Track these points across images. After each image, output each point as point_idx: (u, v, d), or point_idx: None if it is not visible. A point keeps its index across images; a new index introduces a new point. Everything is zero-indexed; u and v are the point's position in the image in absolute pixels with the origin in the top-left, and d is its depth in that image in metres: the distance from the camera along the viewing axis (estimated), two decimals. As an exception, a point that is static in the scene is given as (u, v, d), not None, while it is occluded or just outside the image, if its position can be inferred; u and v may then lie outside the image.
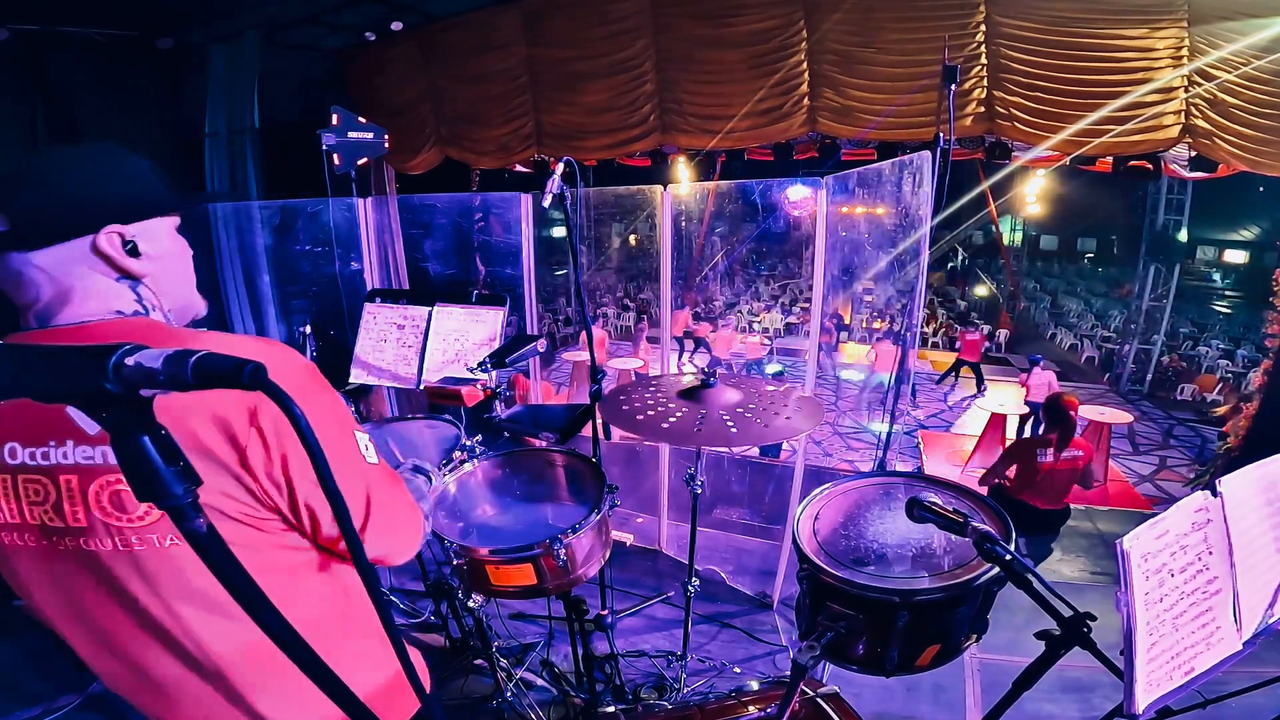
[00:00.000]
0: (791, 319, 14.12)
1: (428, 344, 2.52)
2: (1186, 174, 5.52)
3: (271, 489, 0.82)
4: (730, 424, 1.66)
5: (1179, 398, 9.83)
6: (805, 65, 4.89)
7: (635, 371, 9.02)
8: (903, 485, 1.61)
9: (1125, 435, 8.17)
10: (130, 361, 0.49)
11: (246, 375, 0.50)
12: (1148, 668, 1.02)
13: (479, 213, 6.26)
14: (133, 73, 5.19)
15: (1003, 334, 13.19)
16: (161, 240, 0.90)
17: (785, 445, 5.45)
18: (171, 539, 0.80)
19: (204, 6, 5.20)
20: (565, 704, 2.45)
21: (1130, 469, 7.38)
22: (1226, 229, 15.66)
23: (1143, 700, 1.01)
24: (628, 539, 3.88)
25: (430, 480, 1.39)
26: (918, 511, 1.21)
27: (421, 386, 2.48)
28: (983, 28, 4.41)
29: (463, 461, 1.94)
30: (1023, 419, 7.68)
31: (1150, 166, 4.94)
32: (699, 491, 2.26)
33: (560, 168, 1.86)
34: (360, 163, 4.91)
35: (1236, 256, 16.27)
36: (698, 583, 2.45)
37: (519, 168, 6.92)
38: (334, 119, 4.74)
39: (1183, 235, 10.11)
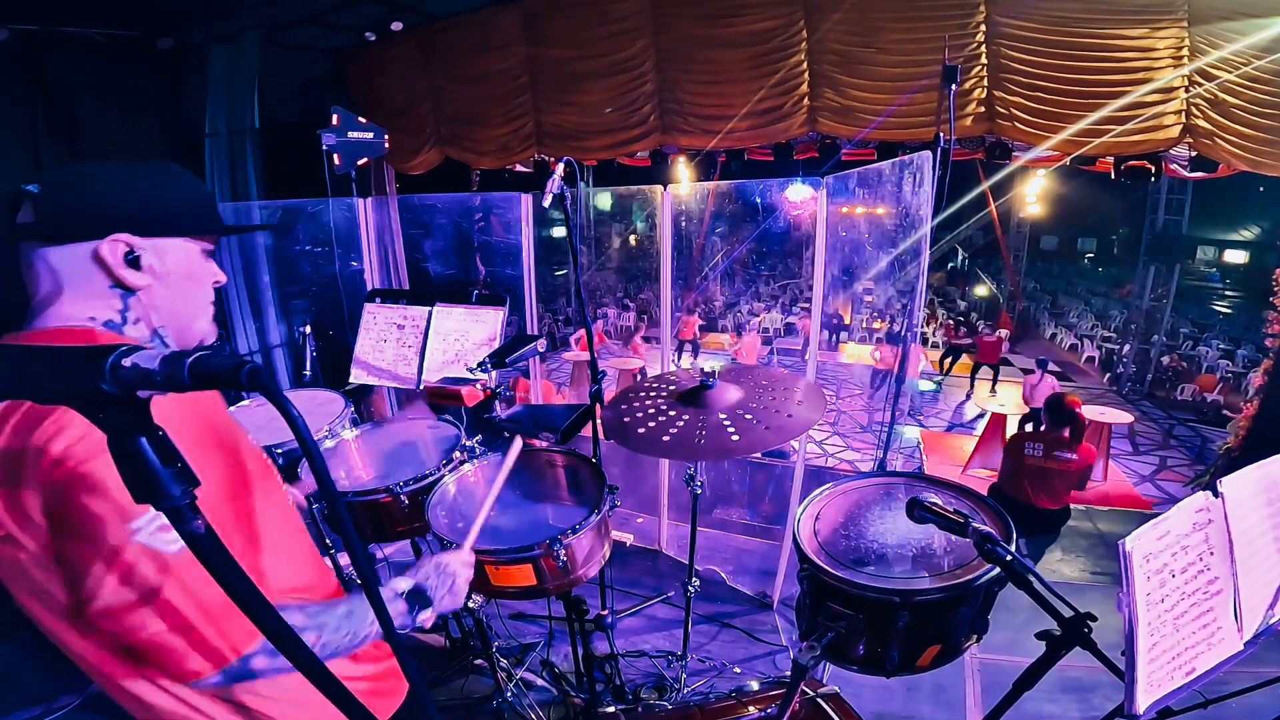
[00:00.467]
0: (792, 319, 14.12)
1: (428, 344, 2.52)
2: (1186, 174, 5.52)
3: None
4: (732, 431, 1.64)
5: (1179, 398, 9.83)
6: (805, 65, 4.89)
7: (634, 372, 9.02)
8: (903, 485, 1.61)
9: (1125, 435, 8.17)
10: (127, 362, 0.49)
11: (244, 375, 0.50)
12: (1149, 668, 1.02)
13: (479, 213, 6.27)
14: (133, 73, 5.19)
15: (1003, 334, 13.18)
16: (174, 259, 0.92)
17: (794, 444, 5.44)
18: None
19: (204, 6, 5.19)
20: (565, 704, 2.45)
21: (1130, 469, 7.37)
22: (1226, 229, 15.64)
23: (1144, 700, 1.01)
24: (628, 539, 3.88)
25: (414, 613, 1.07)
26: (918, 512, 1.21)
27: (421, 386, 2.48)
28: (983, 28, 4.41)
29: (463, 461, 1.94)
30: (1023, 419, 7.67)
31: (1150, 166, 4.93)
32: (699, 491, 2.26)
33: (560, 168, 1.86)
34: (360, 163, 4.91)
35: (1236, 256, 16.25)
36: (698, 583, 2.46)
37: (519, 168, 6.92)
38: (334, 119, 4.74)
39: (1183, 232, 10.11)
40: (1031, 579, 1.04)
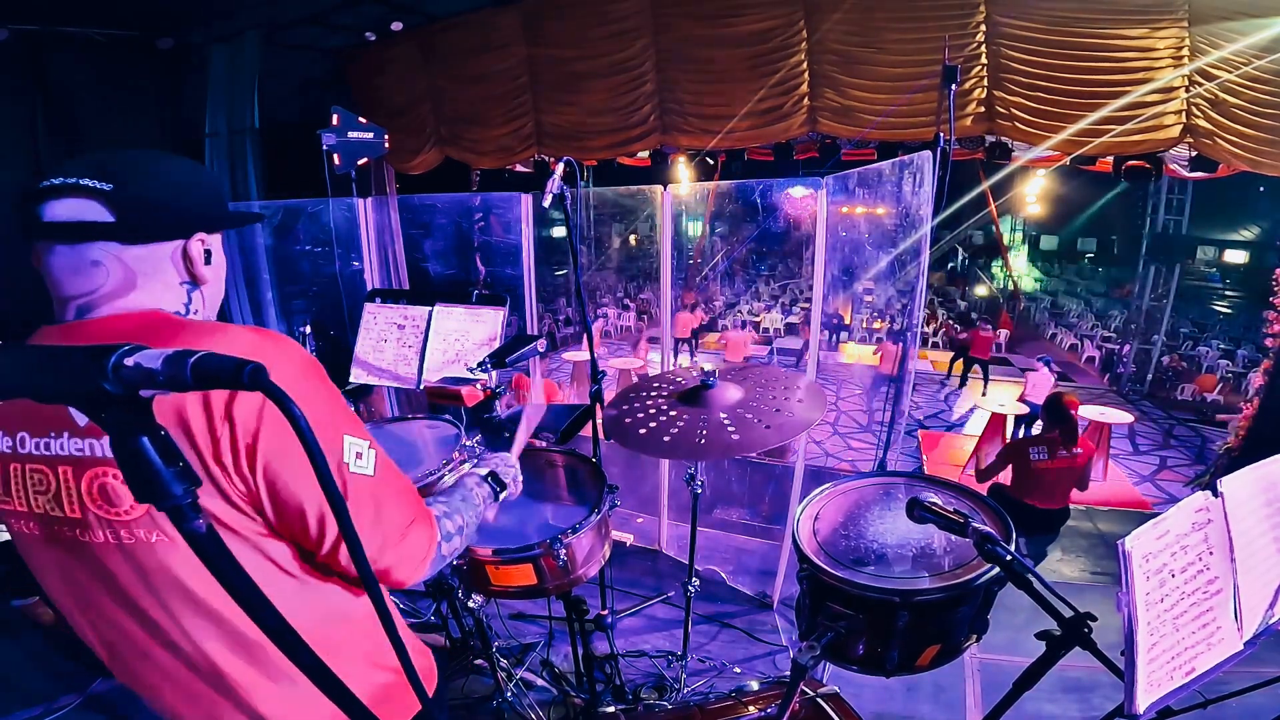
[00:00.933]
0: (792, 319, 14.12)
1: (428, 344, 2.52)
2: (1186, 174, 5.53)
3: (246, 482, 0.80)
4: (732, 430, 1.64)
5: (1179, 398, 9.83)
6: (805, 65, 4.89)
7: (634, 372, 9.02)
8: (903, 485, 1.61)
9: (1125, 435, 8.17)
10: (129, 362, 0.49)
11: (246, 375, 0.50)
12: (1148, 668, 1.02)
13: (479, 213, 6.27)
14: (133, 73, 5.19)
15: (1003, 334, 13.19)
16: (218, 253, 0.97)
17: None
18: (157, 535, 0.80)
19: (204, 6, 5.20)
20: (565, 704, 2.45)
21: (1130, 469, 7.37)
22: (1226, 229, 15.63)
23: (1143, 700, 1.01)
24: (628, 539, 3.88)
25: (496, 492, 1.22)
26: (918, 512, 1.21)
27: (421, 386, 2.48)
28: (983, 28, 4.41)
29: (463, 461, 1.94)
30: (1019, 419, 7.67)
31: (1150, 166, 4.94)
32: (699, 491, 2.26)
33: (560, 168, 1.86)
34: (360, 163, 4.92)
35: (1236, 256, 16.23)
36: (698, 583, 2.45)
37: (519, 168, 6.92)
38: (334, 119, 4.74)
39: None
40: (1031, 579, 1.04)
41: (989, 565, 1.18)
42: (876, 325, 12.60)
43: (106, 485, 0.78)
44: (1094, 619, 1.03)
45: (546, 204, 1.85)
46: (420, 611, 3.07)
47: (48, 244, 0.82)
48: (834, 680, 2.01)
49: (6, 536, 0.93)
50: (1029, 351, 11.81)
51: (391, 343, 2.58)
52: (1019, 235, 21.32)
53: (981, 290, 17.41)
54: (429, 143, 6.27)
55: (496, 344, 2.41)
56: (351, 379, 2.56)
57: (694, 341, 12.05)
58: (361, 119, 4.90)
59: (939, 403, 9.94)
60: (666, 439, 1.63)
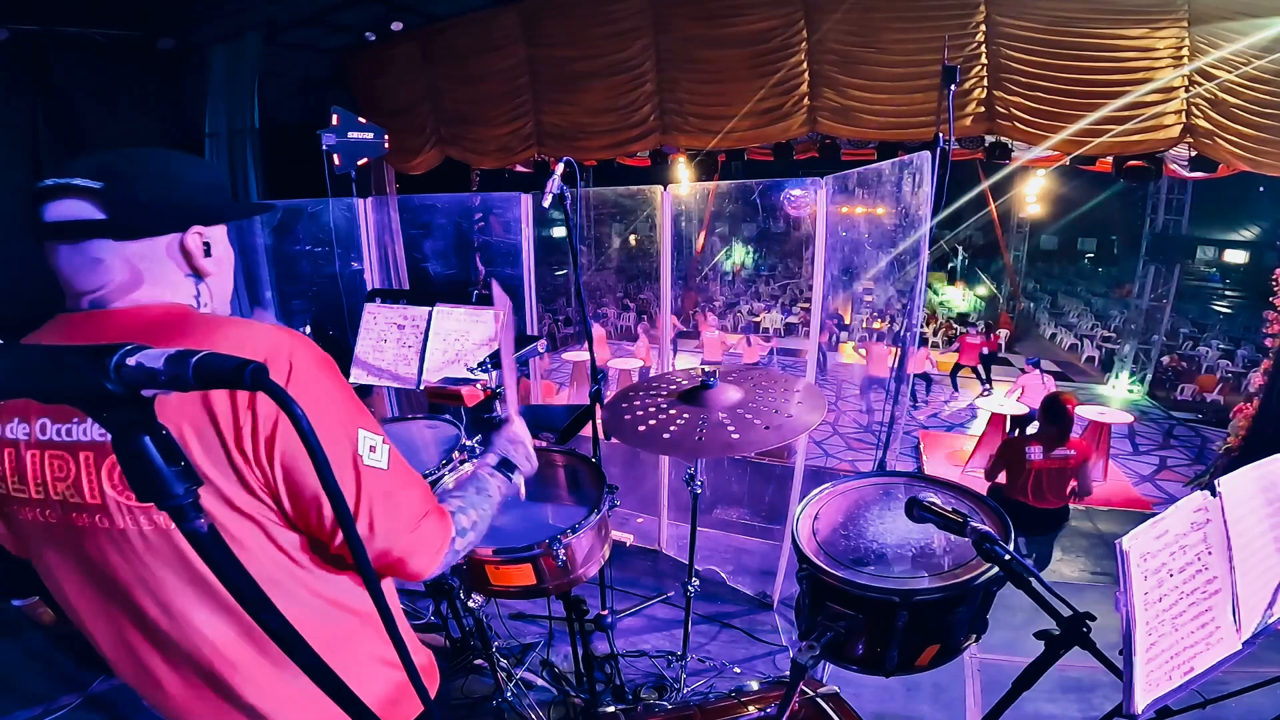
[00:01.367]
0: (792, 319, 14.12)
1: (428, 344, 2.52)
2: (1186, 174, 5.53)
3: (265, 472, 0.81)
4: (731, 430, 1.65)
5: (1179, 398, 9.83)
6: (805, 65, 4.89)
7: (636, 371, 9.03)
8: (902, 485, 1.61)
9: (1125, 435, 8.17)
10: (131, 362, 0.49)
11: (248, 376, 0.51)
12: (1147, 667, 1.02)
13: (479, 213, 6.26)
14: (133, 73, 5.19)
15: (1003, 334, 13.18)
16: (222, 244, 0.97)
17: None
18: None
19: (204, 6, 5.20)
20: (565, 704, 2.46)
21: (1130, 469, 7.37)
22: (1226, 229, 15.63)
23: (1142, 700, 1.01)
24: (628, 539, 3.88)
25: (510, 478, 1.21)
26: (917, 511, 1.21)
27: (421, 386, 2.48)
28: (983, 28, 4.41)
29: (463, 461, 1.94)
30: (1015, 419, 7.65)
31: (1150, 166, 4.94)
32: (699, 491, 2.26)
33: (560, 168, 1.86)
34: (360, 163, 4.92)
35: (1236, 256, 16.24)
36: (698, 583, 2.46)
37: (519, 168, 6.93)
38: (334, 119, 4.74)
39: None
40: (1030, 578, 1.05)
41: (988, 565, 1.18)
42: (877, 325, 12.59)
43: None
44: (1093, 619, 1.03)
45: (546, 204, 1.86)
46: (421, 612, 3.08)
47: (53, 244, 0.84)
48: (834, 680, 2.01)
49: None
50: (1027, 352, 11.81)
51: (391, 343, 2.58)
52: (1019, 235, 21.31)
53: (981, 290, 17.41)
54: (429, 143, 6.28)
55: (496, 344, 2.41)
56: (351, 379, 2.57)
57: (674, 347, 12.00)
58: (361, 119, 4.90)
59: (939, 403, 9.93)
60: (666, 436, 1.63)
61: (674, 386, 1.88)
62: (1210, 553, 1.12)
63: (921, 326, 11.96)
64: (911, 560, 1.34)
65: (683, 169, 8.29)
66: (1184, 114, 4.11)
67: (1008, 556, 1.07)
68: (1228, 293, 16.00)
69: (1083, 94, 4.26)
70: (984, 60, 4.47)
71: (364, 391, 2.71)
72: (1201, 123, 4.06)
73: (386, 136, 5.08)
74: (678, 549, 3.75)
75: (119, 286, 0.85)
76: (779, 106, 5.03)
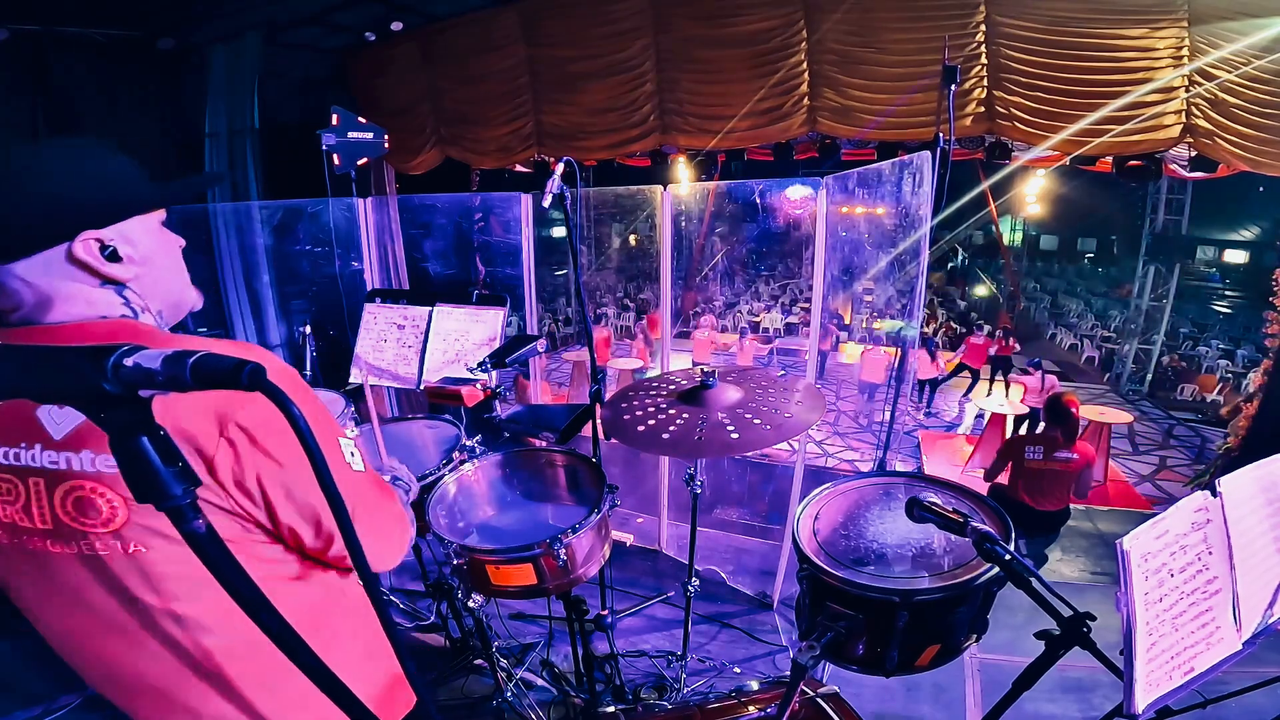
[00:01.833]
0: (792, 319, 14.12)
1: (428, 344, 2.52)
2: (1186, 174, 5.52)
3: (244, 500, 0.80)
4: (731, 429, 1.64)
5: (1179, 398, 9.83)
6: (805, 65, 4.89)
7: (635, 371, 9.03)
8: (903, 485, 1.61)
9: (1125, 435, 8.17)
10: (129, 362, 0.49)
11: (245, 376, 0.50)
12: (1147, 667, 1.02)
13: (479, 213, 6.27)
14: (133, 73, 5.18)
15: (1001, 333, 13.15)
16: (143, 241, 0.85)
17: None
18: (136, 546, 0.79)
19: (204, 6, 5.19)
20: (565, 704, 2.46)
21: (1130, 469, 7.37)
22: (1226, 229, 15.64)
23: (1142, 700, 1.01)
24: (628, 539, 3.88)
25: (407, 492, 1.30)
26: (918, 511, 1.21)
27: (421, 386, 2.48)
28: (983, 28, 4.41)
29: (463, 461, 1.94)
30: (1018, 420, 7.66)
31: (1150, 166, 4.93)
32: (699, 491, 2.26)
33: (560, 168, 1.86)
34: (360, 163, 4.92)
35: (1236, 256, 16.25)
36: (698, 583, 2.45)
37: (519, 168, 6.92)
38: (334, 119, 4.74)
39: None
40: (1030, 579, 1.04)
41: (988, 565, 1.18)
42: (877, 325, 12.57)
43: (82, 498, 0.77)
44: (1093, 619, 1.03)
45: (546, 204, 1.85)
46: (421, 612, 3.07)
47: None
48: (834, 680, 2.01)
49: None
50: (1028, 353, 11.79)
51: (391, 343, 2.58)
52: (1019, 235, 21.34)
53: (981, 290, 17.41)
54: (429, 143, 6.27)
55: (496, 344, 2.41)
56: (351, 379, 2.57)
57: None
58: (361, 119, 4.91)
59: (937, 403, 9.93)
60: (665, 436, 1.63)
61: (673, 386, 1.88)
62: (1211, 553, 1.12)
63: (923, 327, 11.93)
64: (912, 560, 1.34)
65: (683, 169, 8.28)
66: (1184, 114, 4.10)
67: (1008, 556, 1.07)
68: (1228, 293, 16.01)
69: (1083, 94, 4.26)
70: (984, 60, 4.46)
71: (358, 392, 2.71)
72: (1201, 123, 4.06)
73: (386, 136, 5.09)
74: (678, 549, 3.75)
75: (35, 306, 0.78)
76: (779, 106, 5.02)
